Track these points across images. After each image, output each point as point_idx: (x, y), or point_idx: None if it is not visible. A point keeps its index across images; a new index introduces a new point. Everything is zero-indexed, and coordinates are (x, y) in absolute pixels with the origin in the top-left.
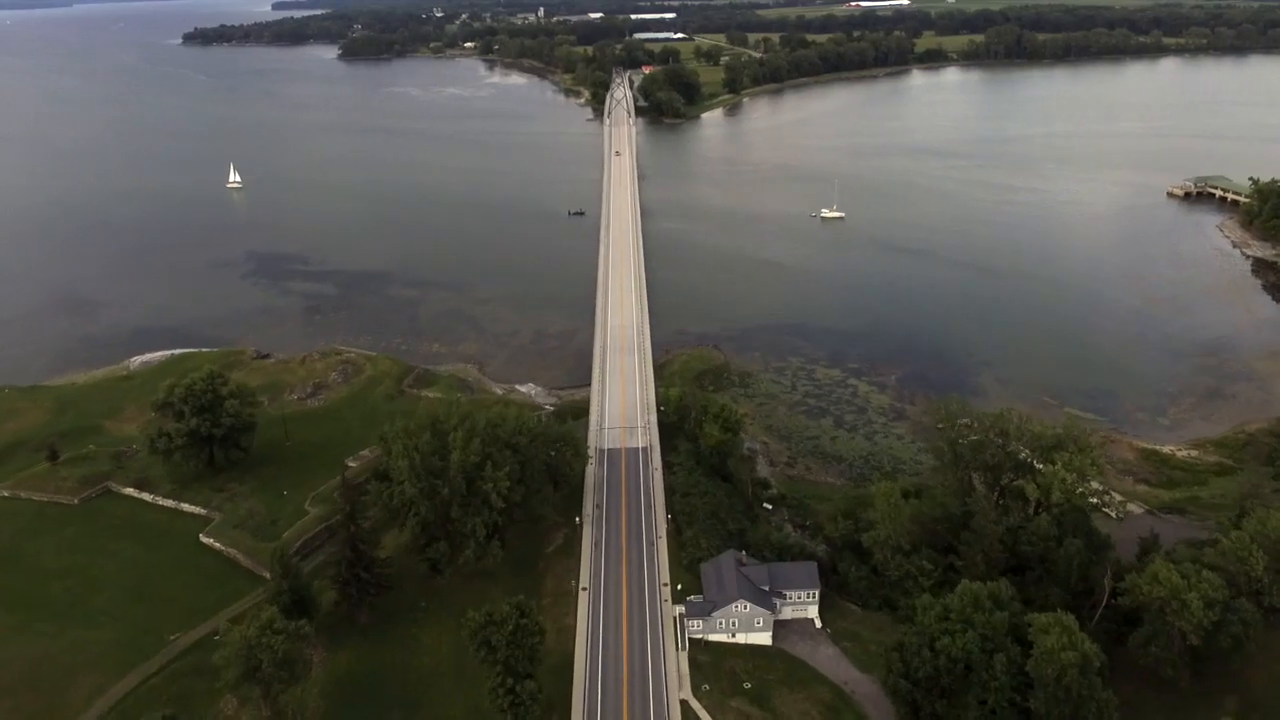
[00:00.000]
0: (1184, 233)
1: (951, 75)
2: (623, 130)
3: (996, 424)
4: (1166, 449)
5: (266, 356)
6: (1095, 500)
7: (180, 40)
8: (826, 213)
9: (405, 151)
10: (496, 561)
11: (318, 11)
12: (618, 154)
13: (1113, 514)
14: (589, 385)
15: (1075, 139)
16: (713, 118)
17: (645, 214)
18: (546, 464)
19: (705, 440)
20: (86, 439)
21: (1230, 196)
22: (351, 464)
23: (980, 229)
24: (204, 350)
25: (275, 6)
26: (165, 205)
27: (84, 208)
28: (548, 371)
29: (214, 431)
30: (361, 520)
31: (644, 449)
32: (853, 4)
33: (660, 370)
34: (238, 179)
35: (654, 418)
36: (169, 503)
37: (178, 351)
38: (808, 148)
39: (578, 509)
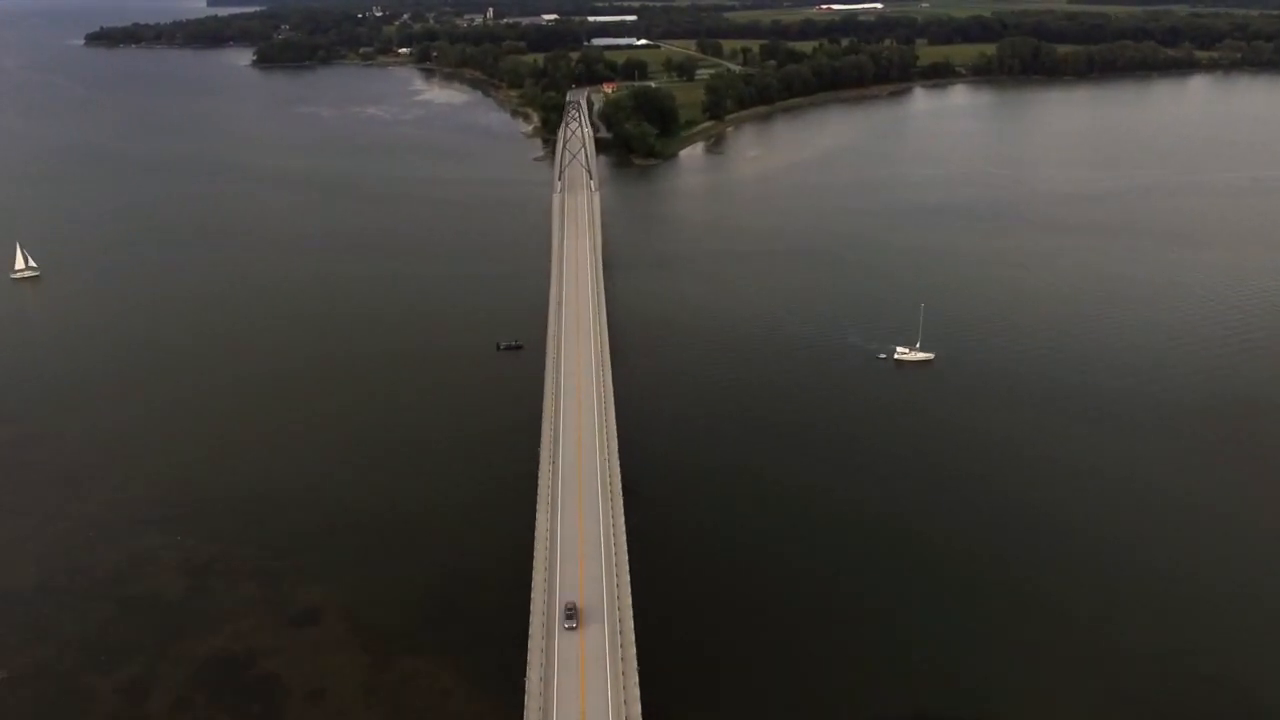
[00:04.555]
0: None
1: (962, 96)
2: (580, 201)
3: None
4: None
5: None
6: None
7: (84, 41)
8: (904, 353)
9: (282, 215)
10: None
11: (249, 9)
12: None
13: None
14: None
15: (1173, 196)
16: (693, 156)
17: (616, 350)
18: None
19: None
20: None
21: None
22: None
23: (1174, 378)
24: None
25: (211, 3)
26: None
27: None
28: None
29: None
30: None
31: None
32: (824, 6)
33: None
34: (31, 265)
35: None
36: None
37: None
38: (825, 210)
39: None
